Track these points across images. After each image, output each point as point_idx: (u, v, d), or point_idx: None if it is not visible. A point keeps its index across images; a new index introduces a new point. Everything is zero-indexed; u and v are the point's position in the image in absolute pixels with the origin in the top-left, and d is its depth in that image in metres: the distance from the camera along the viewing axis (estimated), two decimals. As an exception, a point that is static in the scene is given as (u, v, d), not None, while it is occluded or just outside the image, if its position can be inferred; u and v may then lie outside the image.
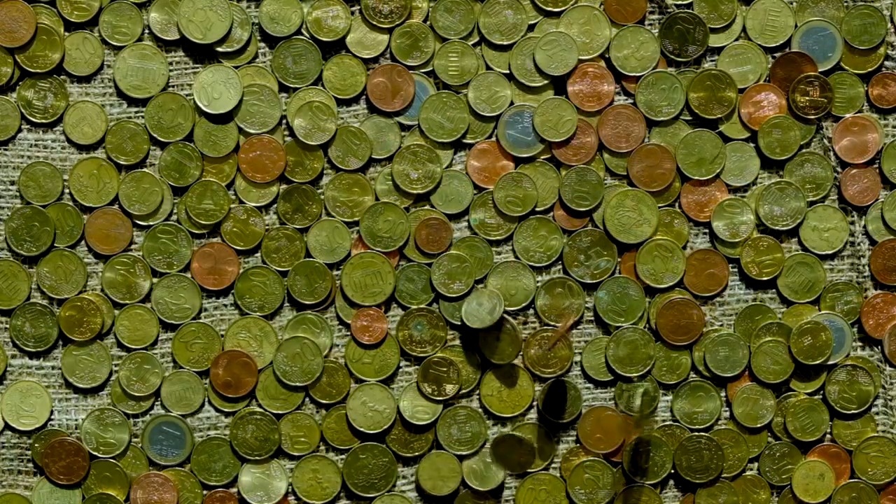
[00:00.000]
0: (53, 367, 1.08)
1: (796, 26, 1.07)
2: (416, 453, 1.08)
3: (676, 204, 1.08)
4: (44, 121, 1.06)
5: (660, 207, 1.08)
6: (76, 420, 1.08)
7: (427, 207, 1.07)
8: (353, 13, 1.06)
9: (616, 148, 1.07)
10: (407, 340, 1.07)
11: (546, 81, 1.07)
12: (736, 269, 1.09)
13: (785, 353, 1.08)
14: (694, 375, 1.09)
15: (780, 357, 1.08)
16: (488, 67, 1.07)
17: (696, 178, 1.07)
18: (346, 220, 1.07)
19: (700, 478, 1.09)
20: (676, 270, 1.08)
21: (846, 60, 1.07)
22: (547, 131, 1.07)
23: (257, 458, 1.08)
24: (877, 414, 1.10)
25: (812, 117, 1.07)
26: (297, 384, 1.07)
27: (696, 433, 1.09)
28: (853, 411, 1.09)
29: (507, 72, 1.07)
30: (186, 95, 1.06)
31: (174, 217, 1.07)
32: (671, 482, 1.10)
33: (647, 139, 1.07)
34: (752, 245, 1.08)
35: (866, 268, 1.09)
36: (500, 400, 1.09)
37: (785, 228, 1.08)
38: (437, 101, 1.07)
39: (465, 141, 1.07)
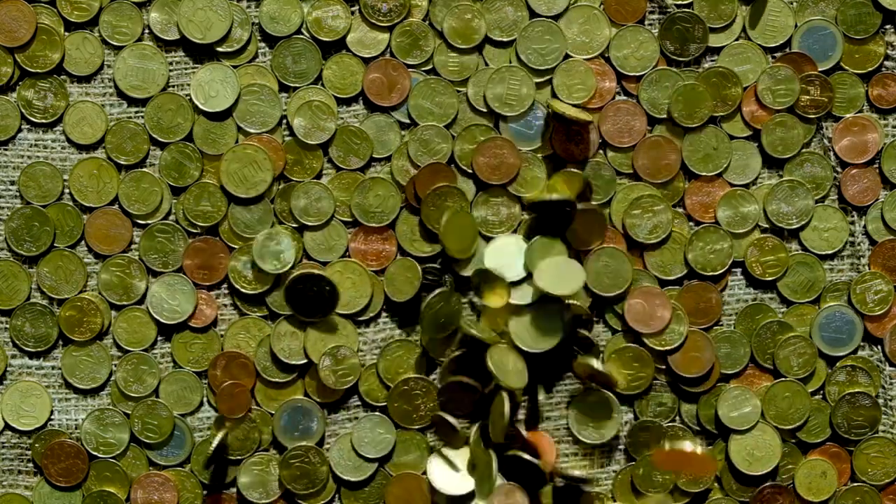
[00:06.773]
0: (53, 368, 1.07)
1: (796, 26, 1.07)
2: None
3: (681, 205, 1.08)
4: (44, 121, 1.06)
5: (660, 207, 1.08)
6: (76, 420, 1.07)
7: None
8: (352, 12, 1.06)
9: (618, 143, 1.07)
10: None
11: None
12: (736, 270, 1.09)
13: (810, 348, 1.08)
14: (695, 375, 1.09)
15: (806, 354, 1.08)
16: (487, 65, 1.07)
17: (704, 174, 1.07)
18: (346, 219, 1.07)
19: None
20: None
21: (846, 60, 1.08)
22: (547, 130, 1.07)
23: (238, 457, 1.07)
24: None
25: (812, 116, 1.07)
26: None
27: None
28: (860, 435, 1.09)
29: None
30: (186, 95, 1.06)
31: (173, 217, 1.07)
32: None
33: (648, 134, 1.07)
34: (758, 244, 1.08)
35: (866, 268, 1.09)
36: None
37: (790, 228, 1.08)
38: (426, 87, 1.06)
39: (464, 139, 1.08)
